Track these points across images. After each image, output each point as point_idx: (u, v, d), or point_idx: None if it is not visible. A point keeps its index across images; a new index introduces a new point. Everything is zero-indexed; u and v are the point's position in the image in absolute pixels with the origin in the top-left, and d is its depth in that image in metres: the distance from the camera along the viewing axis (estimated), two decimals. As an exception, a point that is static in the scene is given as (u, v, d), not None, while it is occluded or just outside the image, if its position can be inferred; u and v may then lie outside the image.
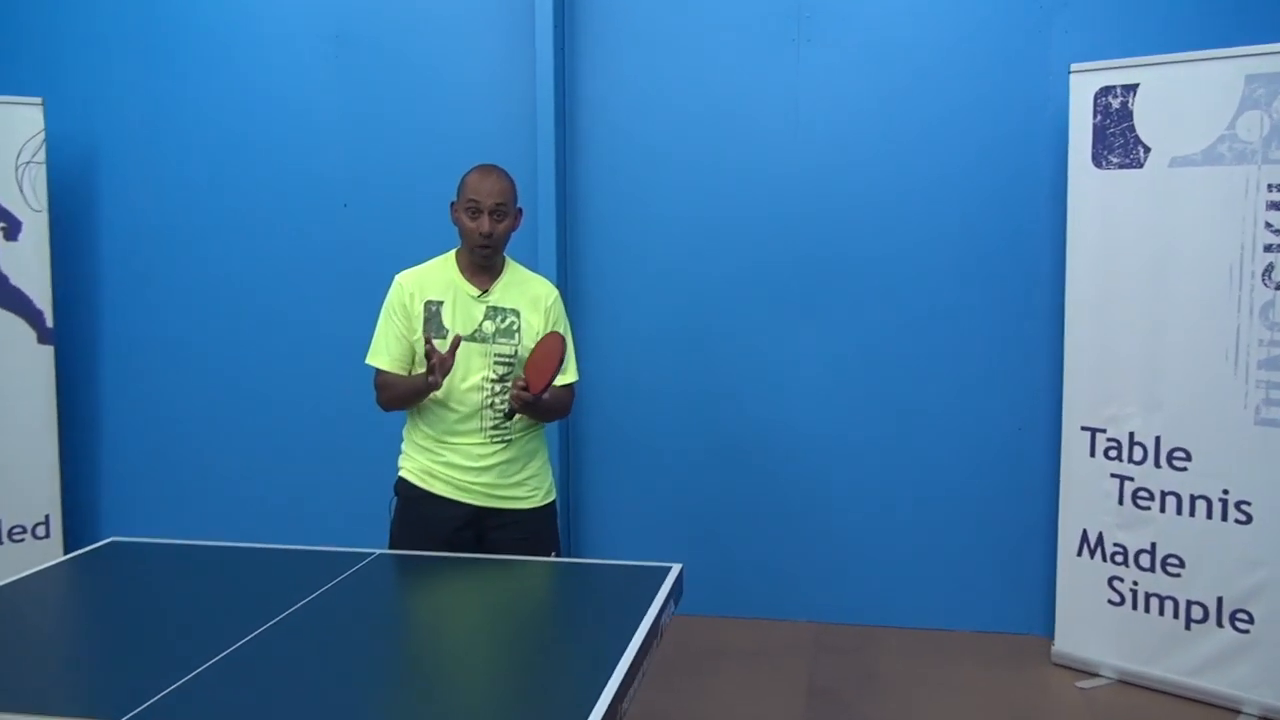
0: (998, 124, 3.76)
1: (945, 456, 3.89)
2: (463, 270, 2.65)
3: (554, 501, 2.79)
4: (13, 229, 4.03)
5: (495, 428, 2.62)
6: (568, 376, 2.70)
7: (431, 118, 4.08)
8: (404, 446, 2.72)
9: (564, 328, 2.72)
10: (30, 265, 4.07)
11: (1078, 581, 3.57)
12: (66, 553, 4.25)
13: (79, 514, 4.46)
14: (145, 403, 4.41)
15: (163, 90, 4.27)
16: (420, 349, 2.57)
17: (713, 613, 4.00)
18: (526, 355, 2.65)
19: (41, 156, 4.06)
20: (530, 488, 2.70)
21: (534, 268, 3.85)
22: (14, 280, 4.04)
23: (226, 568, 2.43)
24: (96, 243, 4.39)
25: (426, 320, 2.59)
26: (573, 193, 4.06)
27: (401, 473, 2.70)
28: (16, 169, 4.01)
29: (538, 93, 3.89)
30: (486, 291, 2.63)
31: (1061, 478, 3.60)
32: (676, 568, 2.33)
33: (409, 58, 4.09)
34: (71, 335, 4.34)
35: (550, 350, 2.57)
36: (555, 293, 2.74)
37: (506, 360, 2.62)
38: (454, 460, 2.62)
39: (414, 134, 4.09)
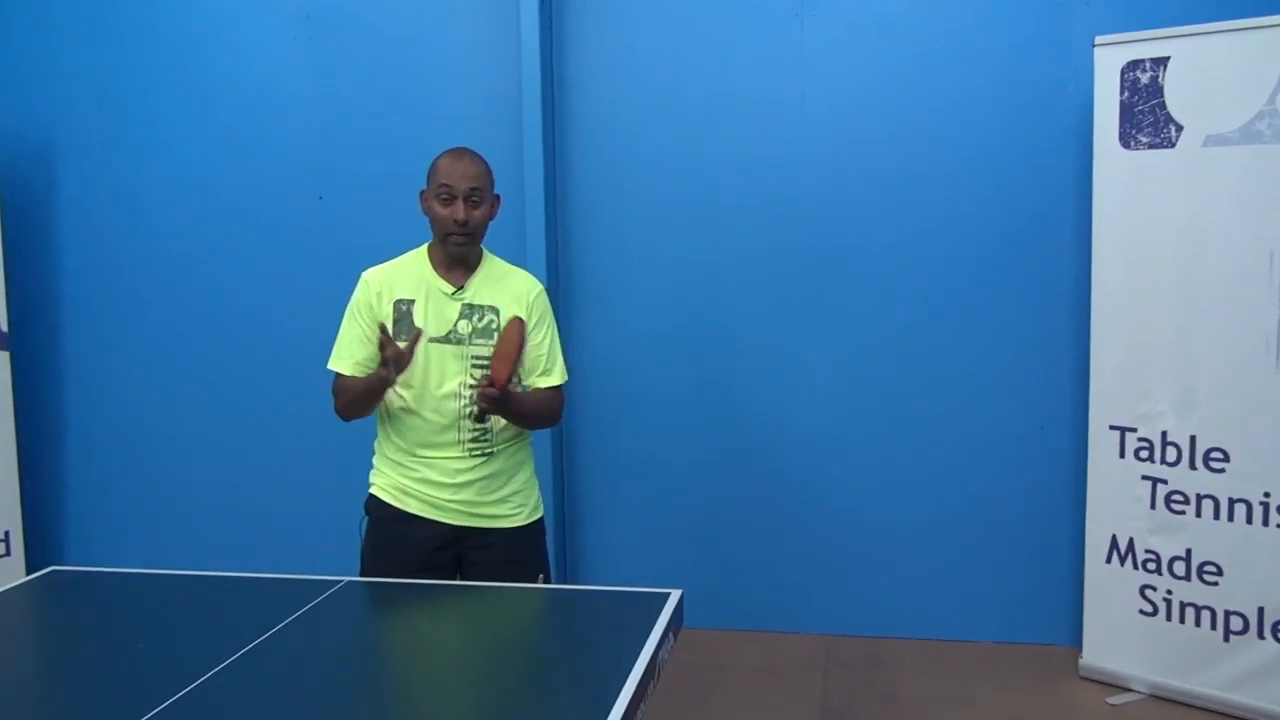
0: (1016, 103, 3.52)
1: (962, 458, 3.67)
2: (436, 266, 2.41)
3: (541, 519, 2.56)
4: (-40, 227, 3.78)
5: (475, 439, 2.39)
6: (552, 378, 2.47)
7: (409, 101, 3.83)
8: (375, 461, 2.49)
9: (548, 325, 2.49)
10: (-20, 266, 3.82)
11: (1107, 590, 3.36)
12: (29, 573, 4.05)
13: (42, 531, 4.23)
14: (111, 410, 4.17)
15: (120, 76, 4.01)
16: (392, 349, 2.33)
17: (718, 626, 3.79)
18: None
19: (-10, 149, 3.81)
20: (514, 505, 2.47)
21: (521, 262, 3.58)
22: (-37, 282, 3.80)
23: (178, 599, 2.21)
24: (53, 240, 4.13)
25: (396, 321, 2.36)
26: (562, 181, 3.81)
27: (372, 489, 2.47)
28: (-38, 163, 3.76)
29: (523, 72, 3.63)
30: (461, 288, 2.40)
31: (1088, 480, 3.37)
32: (675, 594, 2.09)
33: (384, 37, 3.84)
34: (29, 340, 4.11)
35: (509, 337, 2.34)
36: (539, 287, 2.51)
37: (485, 363, 2.38)
38: (429, 476, 2.39)
39: (391, 119, 3.84)
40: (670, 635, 1.98)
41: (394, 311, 2.36)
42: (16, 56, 4.05)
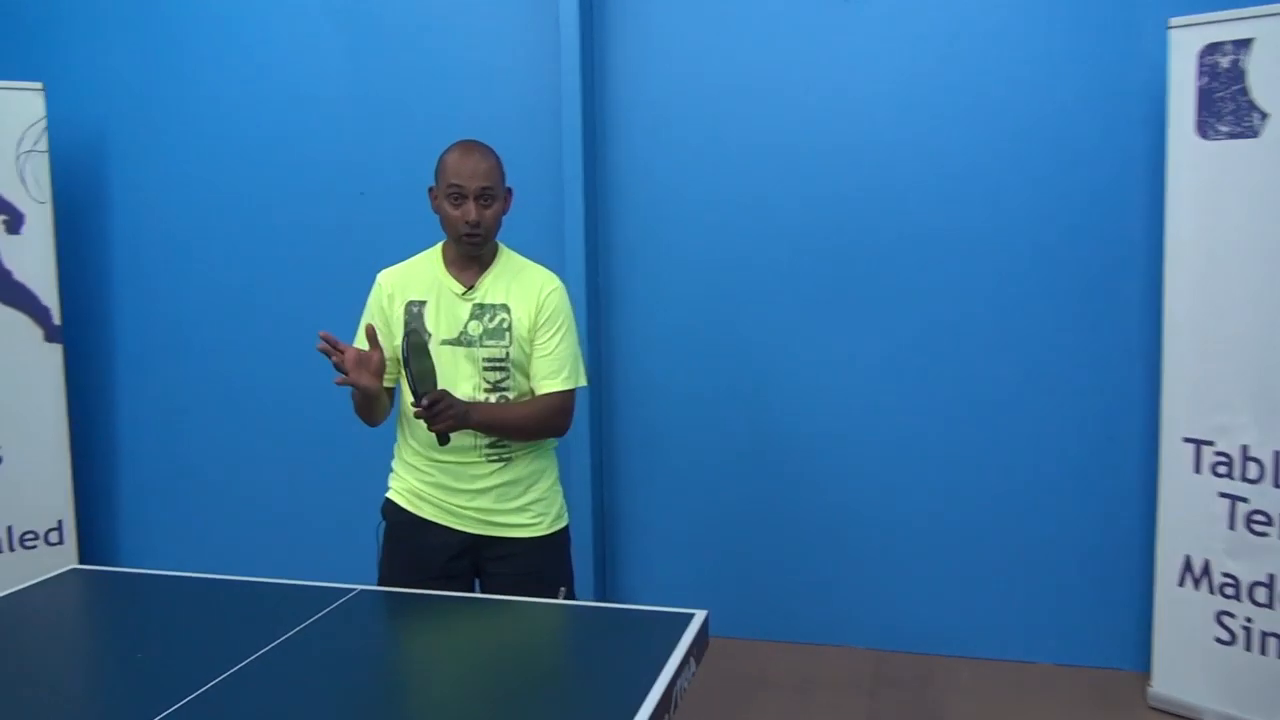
0: (1081, 90, 3.28)
1: (1021, 468, 3.45)
2: (448, 265, 2.33)
3: (565, 529, 2.45)
4: (15, 222, 3.83)
5: (492, 444, 2.29)
6: (558, 383, 2.32)
7: (448, 94, 3.76)
8: (394, 464, 2.42)
9: (559, 326, 2.34)
10: (35, 260, 3.87)
11: (1179, 615, 3.12)
12: (81, 561, 4.12)
13: (94, 519, 4.28)
14: (160, 400, 4.20)
15: (169, 73, 4.03)
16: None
17: (757, 636, 3.64)
18: (521, 358, 2.31)
19: (43, 145, 3.84)
20: (534, 514, 2.37)
21: (559, 263, 3.55)
22: (18, 276, 3.85)
23: (190, 602, 2.18)
24: (104, 235, 4.17)
25: (408, 323, 2.28)
26: (601, 177, 3.70)
27: (389, 494, 2.40)
28: (17, 158, 3.80)
29: (562, 65, 3.53)
30: (472, 288, 2.30)
31: (1159, 496, 3.13)
32: (699, 616, 1.96)
33: (423, 32, 3.77)
34: (81, 332, 4.15)
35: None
36: (554, 284, 2.37)
37: (498, 364, 2.29)
38: (444, 481, 2.31)
39: (429, 112, 3.77)
40: (692, 661, 1.85)
41: (405, 314, 2.29)
42: (70, 56, 4.09)
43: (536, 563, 2.37)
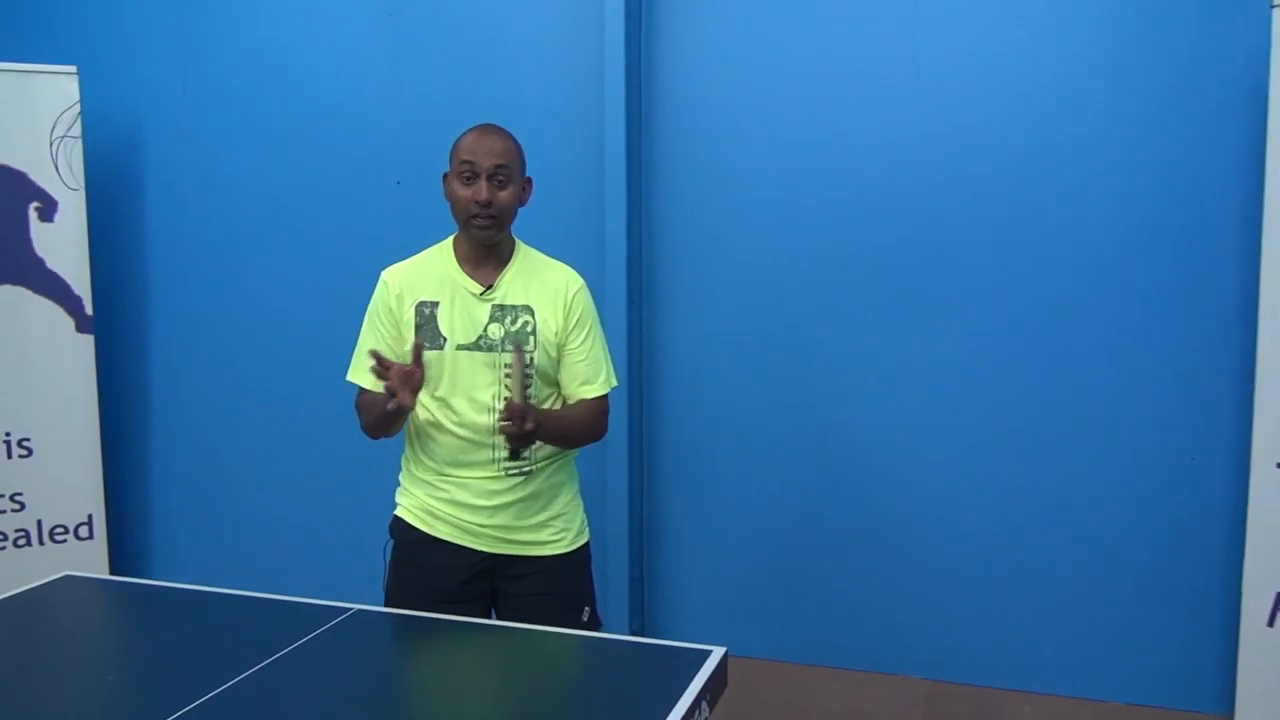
0: (1172, 76, 2.99)
1: (1093, 489, 3.17)
2: (462, 262, 2.15)
3: (587, 544, 2.28)
4: (48, 209, 3.77)
5: (511, 457, 2.12)
6: (596, 387, 2.18)
7: (487, 81, 3.58)
8: (401, 478, 2.25)
9: (589, 328, 2.20)
10: (68, 248, 3.80)
11: (1268, 656, 2.83)
12: (111, 556, 4.06)
13: (125, 514, 4.21)
14: (193, 394, 4.11)
15: (207, 57, 3.92)
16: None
17: (802, 660, 3.43)
18: (546, 363, 2.14)
19: (77, 130, 3.77)
20: (555, 530, 2.20)
21: (600, 257, 3.39)
22: (50, 264, 3.78)
23: (181, 615, 2.10)
24: (138, 224, 4.08)
25: (419, 326, 2.11)
26: (647, 169, 3.49)
27: (398, 511, 2.24)
28: (51, 144, 3.74)
29: (605, 51, 3.33)
30: (491, 287, 2.13)
31: (1248, 526, 2.85)
32: (716, 654, 1.79)
33: (461, 15, 3.61)
34: (113, 323, 4.07)
35: (516, 367, 2.06)
36: (579, 283, 2.22)
37: (521, 372, 2.10)
38: (460, 498, 2.14)
39: (468, 100, 3.58)
40: (704, 704, 1.67)
41: (416, 316, 2.12)
42: (105, 40, 4.01)
43: (558, 582, 2.21)
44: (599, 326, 2.24)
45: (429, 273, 2.16)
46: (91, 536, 3.95)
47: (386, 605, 2.17)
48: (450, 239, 2.20)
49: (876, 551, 3.39)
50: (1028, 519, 3.25)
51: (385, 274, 2.19)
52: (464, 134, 2.13)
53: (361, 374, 2.15)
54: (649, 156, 3.48)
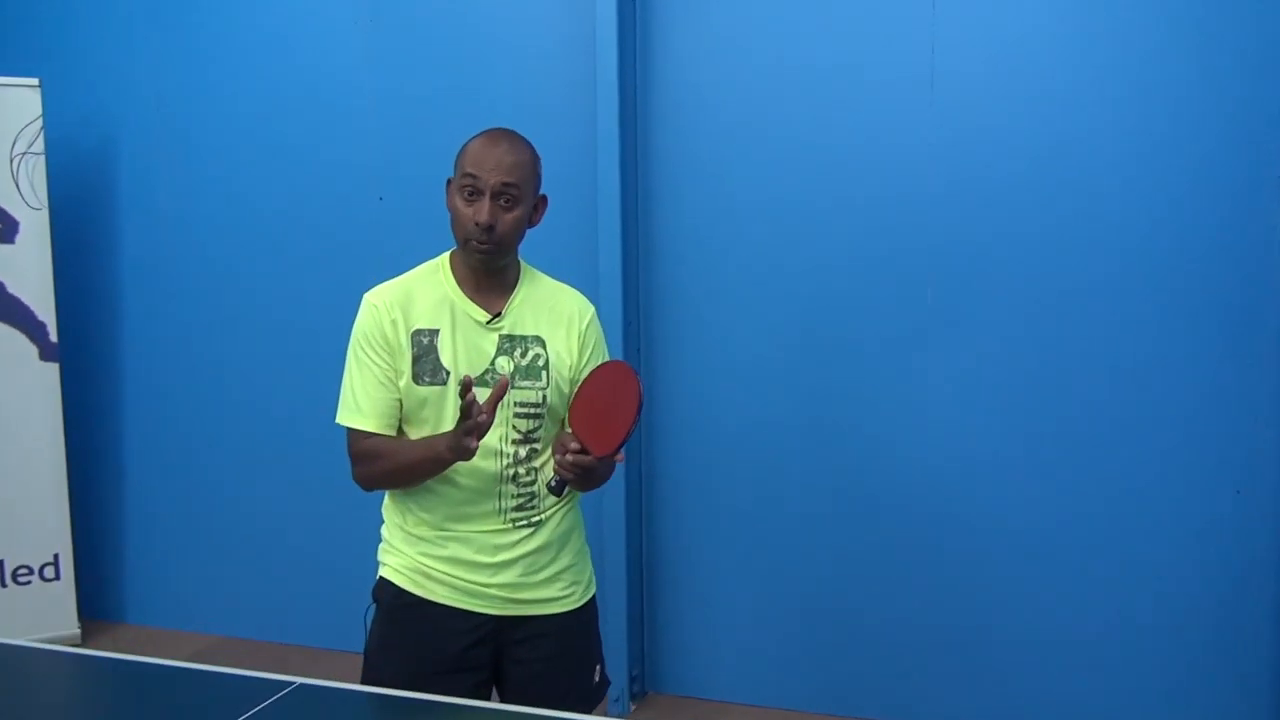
0: (1214, 69, 2.77)
1: (1133, 524, 2.94)
2: (462, 284, 1.89)
3: (595, 597, 2.04)
4: (8, 230, 3.57)
5: (520, 508, 1.88)
6: None
7: (473, 86, 3.38)
8: (385, 533, 1.97)
9: (602, 355, 1.98)
10: (30, 271, 3.60)
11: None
12: (80, 596, 3.83)
13: (95, 553, 3.98)
14: (167, 425, 3.89)
15: (179, 67, 3.72)
16: (416, 396, 1.84)
17: (827, 711, 3.17)
18: (558, 401, 1.90)
19: (40, 146, 3.58)
20: (565, 584, 1.95)
21: (593, 273, 3.15)
22: (11, 289, 3.59)
23: (101, 686, 1.85)
24: (107, 244, 3.89)
25: (417, 358, 1.84)
26: (643, 178, 3.27)
27: (383, 571, 1.95)
28: (11, 160, 3.55)
29: (598, 46, 3.12)
30: (499, 315, 1.88)
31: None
32: None
33: (443, 18, 3.42)
34: (80, 351, 3.86)
35: (620, 387, 1.80)
36: (591, 310, 1.99)
37: (532, 411, 1.87)
38: (461, 555, 1.87)
39: (454, 109, 3.39)
40: None
41: (413, 346, 1.85)
42: (71, 50, 3.83)
43: (571, 643, 1.97)
44: (608, 356, 2.02)
45: (425, 296, 1.89)
46: (58, 577, 3.73)
47: (366, 675, 1.92)
48: (446, 256, 1.94)
49: (901, 592, 3.14)
50: (1063, 559, 3.00)
51: (371, 297, 1.91)
52: (473, 139, 1.87)
53: (360, 415, 1.87)
54: (645, 164, 3.27)
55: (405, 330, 1.85)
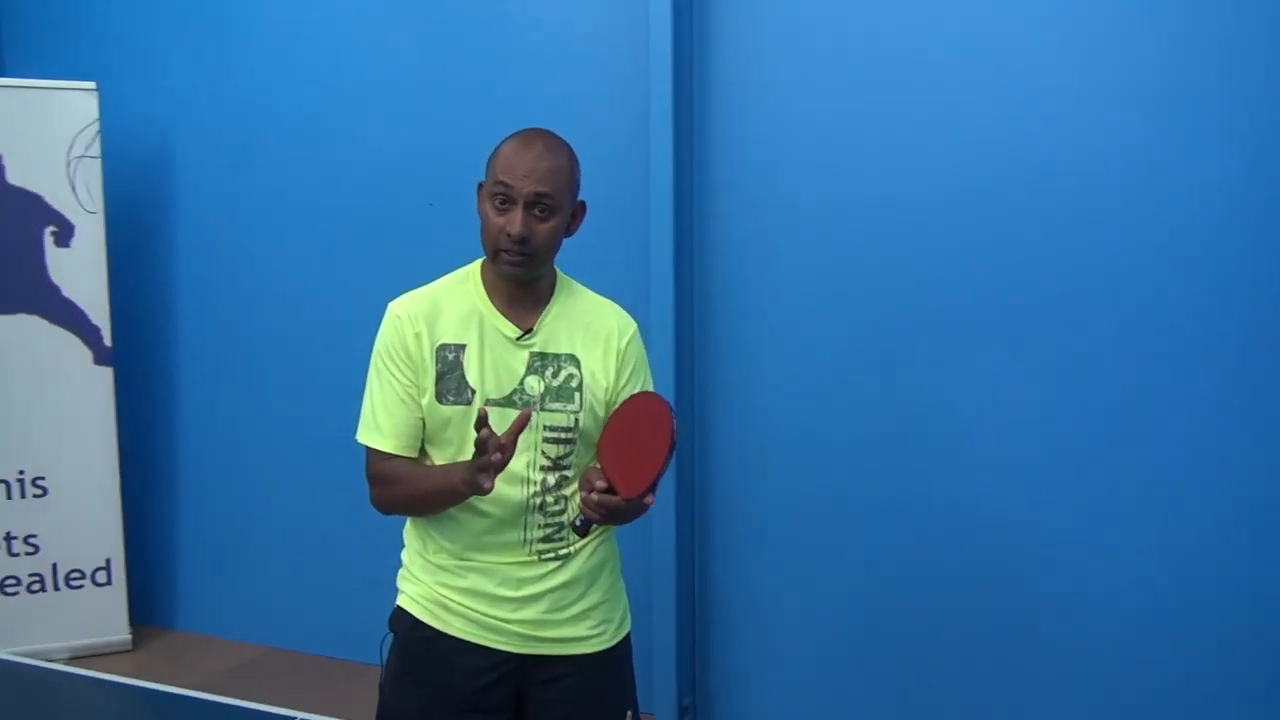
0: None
1: (1220, 559, 2.68)
2: (493, 296, 1.77)
3: (628, 636, 1.90)
4: (64, 234, 3.57)
5: (547, 539, 1.76)
6: None
7: (530, 88, 3.27)
8: (405, 558, 1.86)
9: (643, 380, 1.84)
10: (85, 275, 3.60)
11: None
12: (131, 602, 3.81)
13: (146, 559, 3.98)
14: (220, 431, 3.86)
15: (232, 72, 3.70)
16: (438, 416, 1.72)
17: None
18: (591, 426, 1.76)
19: (96, 150, 3.58)
20: (595, 623, 1.82)
21: (644, 277, 3.03)
22: (66, 292, 3.59)
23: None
24: (161, 248, 3.88)
25: (441, 375, 1.72)
26: (699, 176, 3.11)
27: (401, 601, 1.84)
28: (68, 164, 3.55)
29: (651, 41, 2.99)
30: (530, 331, 1.75)
31: None
32: None
33: (494, 14, 3.33)
34: (133, 355, 3.84)
35: (652, 423, 1.66)
36: (633, 327, 1.85)
37: (563, 436, 1.75)
38: (482, 587, 1.76)
39: (501, 106, 3.29)
40: None
41: (437, 362, 1.73)
42: (125, 50, 3.83)
43: (599, 685, 1.84)
44: (650, 380, 1.88)
45: (452, 308, 1.77)
46: (110, 582, 3.72)
47: (381, 710, 1.82)
48: (476, 265, 1.82)
49: (969, 624, 2.93)
50: (1151, 584, 2.75)
51: (395, 307, 1.80)
52: (505, 141, 1.74)
53: (380, 434, 1.77)
54: (701, 159, 3.12)
55: (430, 345, 1.74)
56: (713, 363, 3.17)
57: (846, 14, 2.93)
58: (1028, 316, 2.82)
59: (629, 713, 1.88)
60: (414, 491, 1.73)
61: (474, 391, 1.72)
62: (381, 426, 1.75)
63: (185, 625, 3.96)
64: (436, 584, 1.78)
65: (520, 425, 1.58)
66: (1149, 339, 2.71)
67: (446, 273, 1.85)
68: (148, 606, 3.95)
